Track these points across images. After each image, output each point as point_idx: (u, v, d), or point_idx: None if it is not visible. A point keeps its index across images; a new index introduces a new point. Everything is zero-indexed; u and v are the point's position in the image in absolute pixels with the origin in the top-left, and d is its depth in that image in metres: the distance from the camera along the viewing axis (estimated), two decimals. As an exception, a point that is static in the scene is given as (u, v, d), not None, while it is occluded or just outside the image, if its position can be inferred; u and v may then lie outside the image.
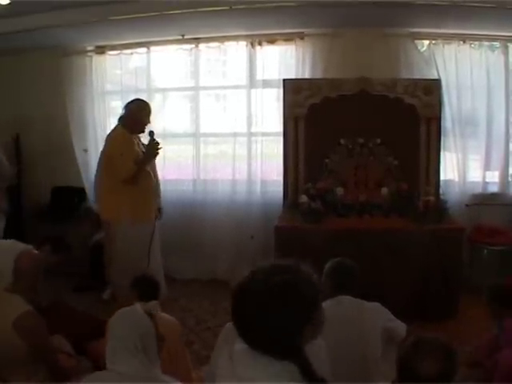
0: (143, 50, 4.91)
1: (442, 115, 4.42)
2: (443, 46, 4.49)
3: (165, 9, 3.84)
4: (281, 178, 4.58)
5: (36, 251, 2.88)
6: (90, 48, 5.00)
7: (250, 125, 4.81)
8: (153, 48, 4.90)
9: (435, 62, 4.51)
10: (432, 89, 4.32)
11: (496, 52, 4.52)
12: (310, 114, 4.41)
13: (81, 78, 5.01)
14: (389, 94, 4.32)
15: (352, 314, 2.35)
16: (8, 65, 5.02)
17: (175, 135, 5.18)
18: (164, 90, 5.10)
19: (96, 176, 4.08)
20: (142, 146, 3.90)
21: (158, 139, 3.84)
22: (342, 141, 4.40)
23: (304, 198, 4.11)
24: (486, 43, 4.49)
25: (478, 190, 4.66)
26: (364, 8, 3.76)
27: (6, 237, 3.16)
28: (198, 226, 4.89)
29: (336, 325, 2.22)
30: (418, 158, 4.37)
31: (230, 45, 4.83)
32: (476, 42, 4.49)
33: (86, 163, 5.03)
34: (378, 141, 4.37)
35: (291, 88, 4.42)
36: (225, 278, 4.55)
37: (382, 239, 3.81)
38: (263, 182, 4.85)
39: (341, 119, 4.31)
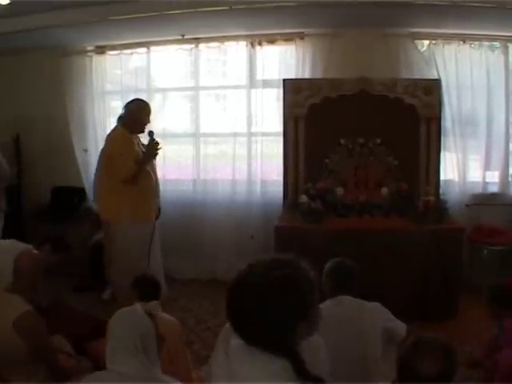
0: (143, 50, 4.91)
1: (442, 115, 4.42)
2: (443, 46, 4.50)
3: (165, 9, 3.84)
4: (281, 178, 4.58)
5: (36, 251, 2.88)
6: (90, 48, 5.00)
7: (249, 125, 4.81)
8: (153, 48, 4.90)
9: (435, 62, 4.51)
10: (432, 89, 4.32)
11: (496, 52, 4.52)
12: (310, 114, 4.41)
13: (81, 77, 5.01)
14: (389, 94, 4.32)
15: (352, 314, 2.35)
16: (8, 65, 5.02)
17: (175, 135, 5.18)
18: (164, 90, 5.10)
19: (95, 175, 4.08)
20: (141, 146, 3.90)
21: (157, 139, 3.83)
22: (342, 141, 4.40)
23: (304, 198, 4.11)
24: (486, 43, 4.49)
25: (478, 190, 4.66)
26: (364, 8, 3.76)
27: (4, 237, 3.16)
28: (198, 226, 4.89)
29: (336, 325, 2.22)
30: (418, 158, 4.37)
31: (230, 45, 4.83)
32: (476, 42, 4.49)
33: (86, 163, 5.03)
34: (378, 141, 4.37)
35: (291, 88, 4.42)
36: (225, 278, 4.54)
37: (382, 239, 3.80)
38: (263, 182, 4.85)
39: (341, 119, 4.31)
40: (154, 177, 3.97)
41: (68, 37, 4.59)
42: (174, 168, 5.14)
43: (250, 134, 4.83)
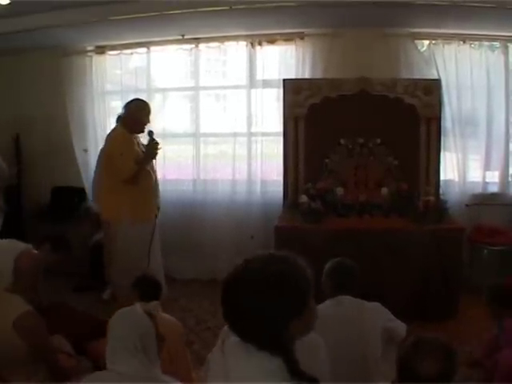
0: (143, 50, 4.91)
1: (442, 115, 4.42)
2: (443, 46, 4.50)
3: (165, 9, 3.84)
4: (281, 178, 4.58)
5: (36, 251, 2.88)
6: (90, 48, 5.00)
7: (250, 125, 4.81)
8: (153, 48, 4.90)
9: (435, 62, 4.51)
10: (432, 89, 4.32)
11: (496, 52, 4.52)
12: (310, 114, 4.41)
13: (81, 77, 5.01)
14: (389, 94, 4.32)
15: (352, 314, 2.35)
16: (8, 65, 5.02)
17: (175, 135, 5.18)
18: (164, 90, 5.10)
19: (95, 175, 4.08)
20: (141, 146, 3.90)
21: (157, 139, 3.84)
22: (342, 141, 4.40)
23: (304, 198, 4.11)
24: (486, 43, 4.49)
25: (478, 190, 4.66)
26: (364, 8, 3.76)
27: (4, 236, 3.15)
28: (198, 226, 4.89)
29: (336, 325, 2.23)
30: (418, 158, 4.37)
31: (230, 45, 4.83)
32: (476, 42, 4.49)
33: (86, 163, 5.03)
34: (378, 141, 4.37)
35: (291, 88, 4.42)
36: (225, 278, 4.54)
37: (382, 239, 3.80)
38: (263, 182, 4.85)
39: (341, 119, 4.31)
40: (154, 177, 3.97)
41: (68, 37, 4.59)
42: (173, 168, 5.14)
43: (250, 134, 4.83)
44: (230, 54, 4.97)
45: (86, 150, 5.07)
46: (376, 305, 2.45)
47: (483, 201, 4.62)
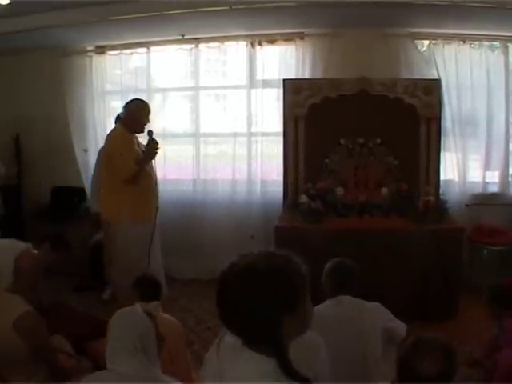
0: (143, 50, 4.92)
1: (442, 115, 4.42)
2: (443, 46, 4.50)
3: (165, 9, 3.84)
4: (281, 178, 4.58)
5: (36, 251, 2.88)
6: (90, 48, 5.00)
7: (250, 125, 4.82)
8: (153, 48, 4.91)
9: (435, 62, 4.51)
10: (432, 89, 4.32)
11: (496, 52, 4.52)
12: (310, 114, 4.41)
13: (81, 77, 5.01)
14: (389, 94, 4.31)
15: (352, 314, 2.35)
16: (8, 65, 5.03)
17: (175, 135, 5.18)
18: (164, 90, 5.10)
19: (94, 174, 4.07)
20: (141, 146, 3.90)
21: (157, 139, 3.83)
22: (342, 141, 4.40)
23: (304, 198, 4.11)
24: (486, 43, 4.49)
25: (478, 190, 4.66)
26: (364, 8, 3.77)
27: (3, 236, 3.16)
28: (198, 226, 4.89)
29: (336, 325, 2.23)
30: (418, 158, 4.37)
31: (230, 45, 4.83)
32: (476, 42, 4.50)
33: (86, 163, 5.03)
34: (378, 141, 4.37)
35: (291, 88, 4.42)
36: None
37: (382, 239, 3.80)
38: (263, 182, 4.86)
39: (341, 119, 4.31)
40: (154, 177, 3.97)
41: (68, 37, 4.59)
42: (174, 168, 5.14)
43: (250, 134, 4.83)
44: (230, 54, 4.97)
45: (85, 150, 5.07)
46: (376, 305, 2.45)
47: (483, 201, 4.62)
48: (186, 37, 4.71)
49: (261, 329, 1.18)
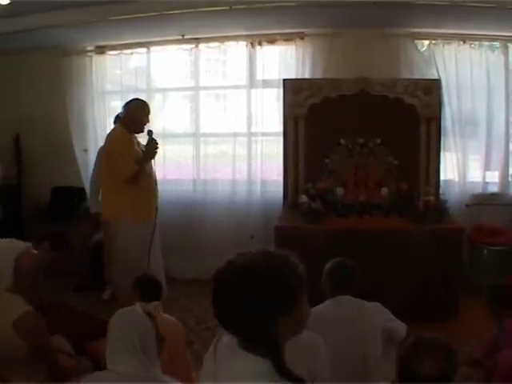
0: (143, 50, 4.92)
1: (442, 115, 4.42)
2: (443, 46, 4.50)
3: (165, 9, 3.84)
4: (281, 178, 4.58)
5: (36, 251, 2.88)
6: (90, 48, 5.00)
7: (250, 125, 4.82)
8: (153, 48, 4.91)
9: (435, 62, 4.51)
10: (432, 89, 4.32)
11: (496, 52, 4.53)
12: (310, 114, 4.41)
13: (81, 77, 5.01)
14: (389, 94, 4.32)
15: (352, 314, 2.35)
16: (8, 65, 5.03)
17: (175, 135, 5.18)
18: (164, 90, 5.10)
19: (93, 173, 4.06)
20: (141, 146, 3.90)
21: (157, 139, 3.83)
22: (342, 141, 4.40)
23: (304, 198, 4.11)
24: (486, 43, 4.49)
25: (478, 190, 4.66)
26: (364, 8, 3.77)
27: (3, 236, 3.15)
28: (198, 226, 4.89)
29: (336, 325, 2.23)
30: (418, 158, 4.37)
31: (230, 45, 4.83)
32: (476, 42, 4.50)
33: (86, 163, 5.02)
34: (378, 141, 4.37)
35: (291, 88, 4.42)
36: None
37: (382, 239, 3.80)
38: (263, 182, 4.86)
39: (341, 119, 4.31)
40: (153, 176, 3.97)
41: (68, 37, 4.59)
42: (174, 168, 5.14)
43: (250, 134, 4.83)
44: (230, 54, 4.97)
45: (85, 150, 5.07)
46: (376, 305, 2.45)
47: (483, 201, 4.62)
48: (185, 37, 4.71)
49: (257, 328, 1.18)
